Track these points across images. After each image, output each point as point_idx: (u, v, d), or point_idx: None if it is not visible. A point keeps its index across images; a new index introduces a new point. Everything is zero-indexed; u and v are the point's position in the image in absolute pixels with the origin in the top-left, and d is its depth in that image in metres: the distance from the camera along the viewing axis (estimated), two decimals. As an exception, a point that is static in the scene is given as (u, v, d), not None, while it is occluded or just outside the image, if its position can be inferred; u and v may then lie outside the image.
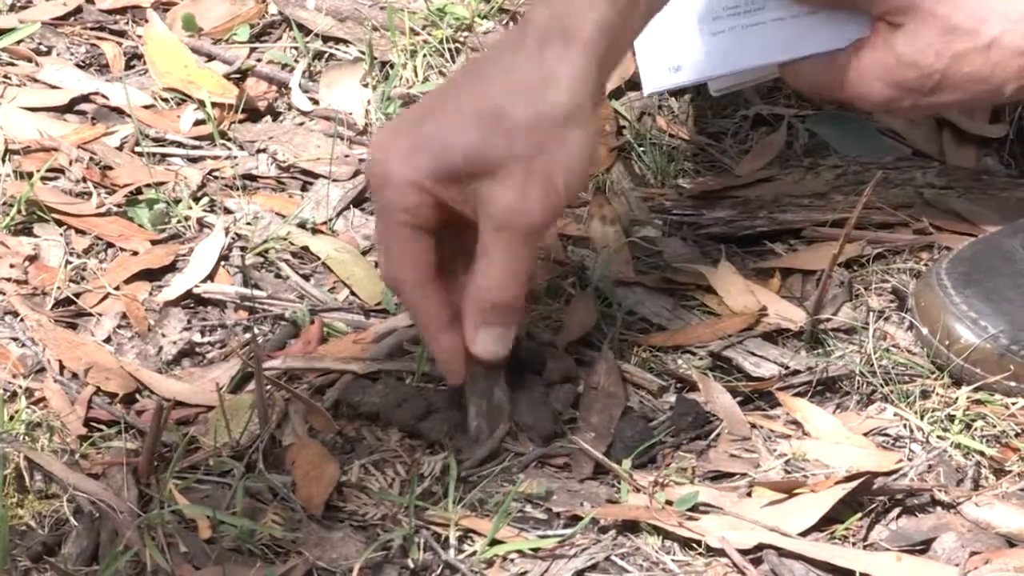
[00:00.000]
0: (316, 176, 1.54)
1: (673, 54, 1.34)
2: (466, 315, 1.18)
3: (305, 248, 1.45)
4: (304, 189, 1.53)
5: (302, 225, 1.47)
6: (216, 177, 1.53)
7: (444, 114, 1.15)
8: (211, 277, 1.41)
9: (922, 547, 1.17)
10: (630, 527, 1.17)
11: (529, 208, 1.14)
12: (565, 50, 1.14)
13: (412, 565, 1.12)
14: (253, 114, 1.61)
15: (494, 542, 1.14)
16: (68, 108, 1.60)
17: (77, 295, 1.38)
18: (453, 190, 1.15)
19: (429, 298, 1.18)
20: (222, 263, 1.43)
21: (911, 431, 1.27)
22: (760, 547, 1.15)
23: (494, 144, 1.13)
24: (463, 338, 1.19)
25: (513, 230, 1.15)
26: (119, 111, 1.60)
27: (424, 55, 1.64)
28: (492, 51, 1.20)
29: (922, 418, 1.28)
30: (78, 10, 1.73)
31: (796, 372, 1.32)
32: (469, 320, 1.18)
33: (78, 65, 1.66)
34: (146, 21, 1.70)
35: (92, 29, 1.71)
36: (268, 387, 1.26)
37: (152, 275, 1.41)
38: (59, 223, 1.45)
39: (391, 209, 1.15)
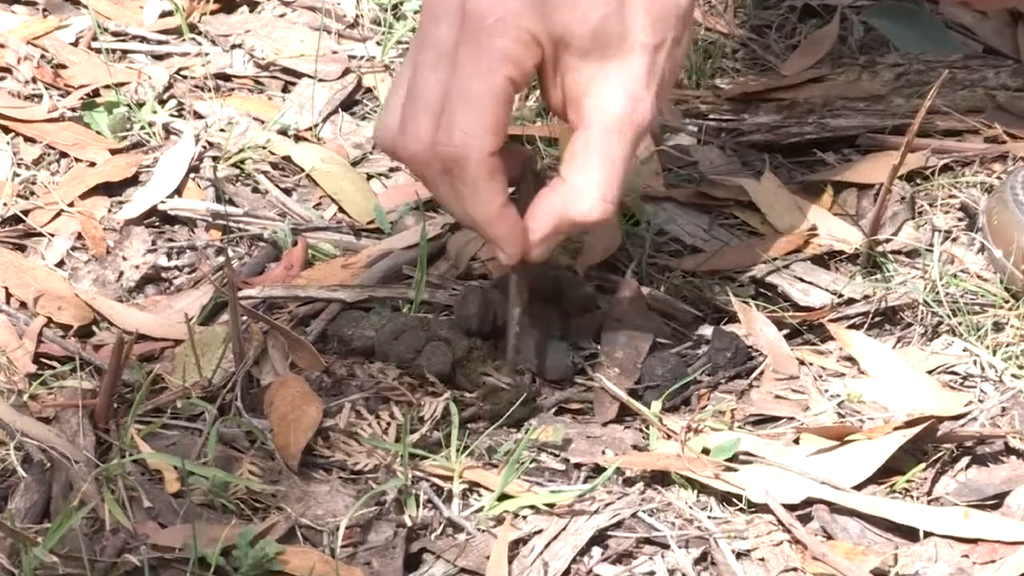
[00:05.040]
0: (299, 75, 1.54)
1: None
2: (540, 222, 1.17)
3: (287, 158, 1.45)
4: (286, 90, 1.54)
5: (283, 132, 1.48)
6: (185, 77, 1.54)
7: None
8: (179, 192, 1.41)
9: (994, 502, 1.17)
10: (660, 479, 1.17)
11: (646, 107, 1.14)
12: None
13: (409, 522, 1.11)
14: (227, 4, 1.62)
15: (503, 497, 1.13)
16: (15, -2, 1.62)
17: (26, 212, 1.38)
18: (559, 63, 1.14)
19: (498, 172, 1.14)
20: (191, 176, 1.43)
21: (982, 368, 1.26)
22: (809, 502, 1.15)
23: (620, 27, 1.13)
24: (523, 228, 1.17)
25: (626, 132, 1.14)
26: (74, 1, 1.61)
27: (423, -64, 1.64)
28: None
29: (994, 354, 1.27)
30: None
31: (851, 301, 1.32)
32: (542, 229, 1.17)
33: (26, -52, 1.66)
34: None
35: (42, -93, 1.70)
36: (244, 318, 1.25)
37: (111, 189, 1.41)
38: (5, 130, 1.46)
39: (496, 57, 1.11)
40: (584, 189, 1.15)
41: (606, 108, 1.14)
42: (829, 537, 1.13)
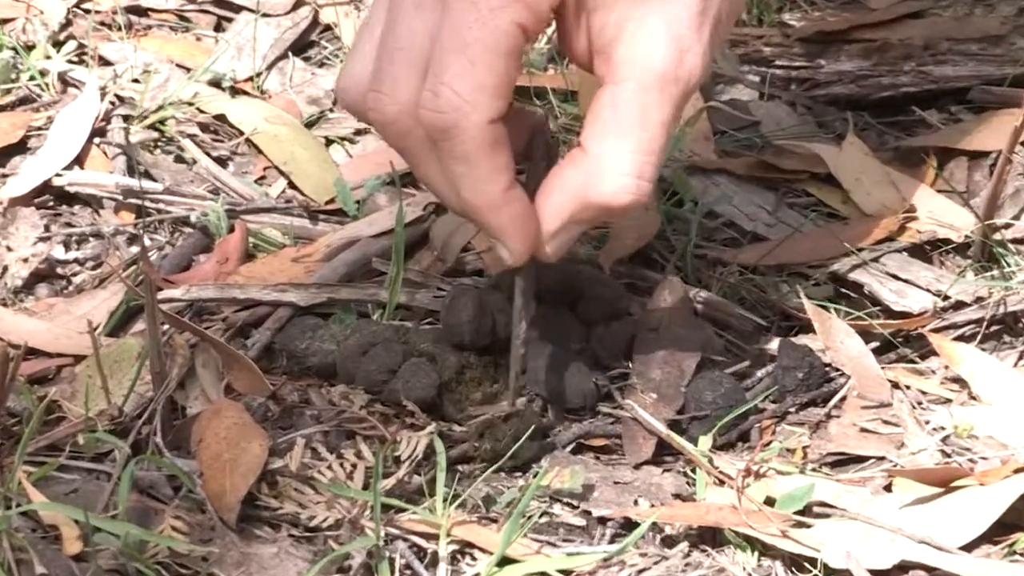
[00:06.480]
0: (237, 8, 1.56)
1: None
2: (554, 208, 1.17)
3: (220, 117, 1.46)
4: (219, 28, 1.55)
5: (216, 83, 1.48)
6: (87, 11, 1.54)
7: None
8: (79, 162, 1.42)
9: None
10: (709, 537, 1.17)
11: (696, 59, 1.14)
12: None
13: (382, 593, 1.13)
14: (142, -85, 1.62)
15: (505, 560, 1.13)
16: None
17: None
18: (585, 1, 1.13)
19: (500, 145, 1.14)
20: (96, 140, 1.44)
21: None
22: (904, 567, 1.15)
23: None
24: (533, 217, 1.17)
25: (669, 89, 1.14)
26: (-59, -88, 1.61)
27: None
28: None
29: None
30: None
31: (959, 305, 1.32)
32: (558, 217, 1.17)
33: None
34: None
35: None
36: (166, 327, 1.25)
37: (-9, 158, 1.43)
38: None
39: (500, 2, 1.11)
40: (611, 162, 1.15)
41: (644, 58, 1.14)
42: (930, 612, 1.14)
